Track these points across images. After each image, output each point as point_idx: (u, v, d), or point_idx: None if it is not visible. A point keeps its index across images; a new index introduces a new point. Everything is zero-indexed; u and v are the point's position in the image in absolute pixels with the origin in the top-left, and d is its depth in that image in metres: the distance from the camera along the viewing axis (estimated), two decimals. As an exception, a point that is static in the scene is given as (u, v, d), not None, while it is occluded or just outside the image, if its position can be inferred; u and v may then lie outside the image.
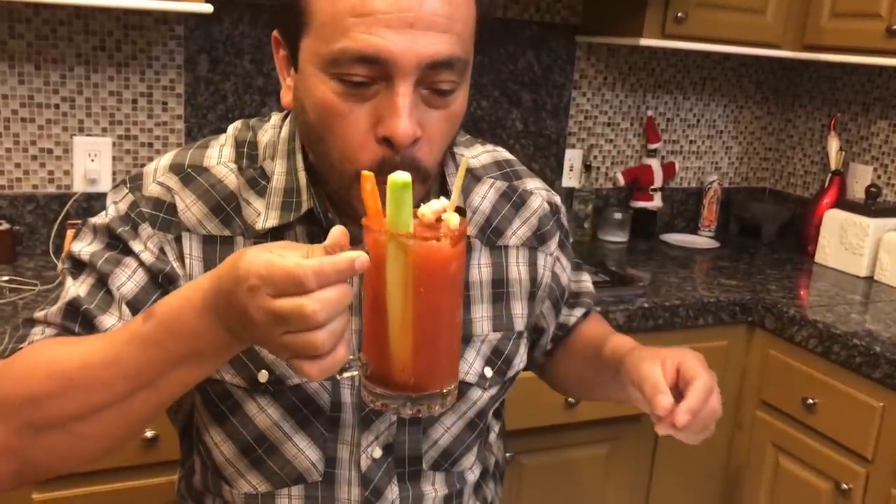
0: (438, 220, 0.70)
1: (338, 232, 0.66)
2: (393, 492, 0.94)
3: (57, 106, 1.91)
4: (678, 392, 0.87)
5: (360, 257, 0.64)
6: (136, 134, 1.98)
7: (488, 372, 0.98)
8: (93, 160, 1.95)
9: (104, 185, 1.97)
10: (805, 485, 1.97)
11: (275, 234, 0.90)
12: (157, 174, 0.91)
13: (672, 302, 2.00)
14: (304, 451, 0.91)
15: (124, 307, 0.86)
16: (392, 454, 0.94)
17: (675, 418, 0.83)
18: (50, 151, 1.93)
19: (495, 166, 1.04)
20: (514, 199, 1.03)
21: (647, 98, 2.57)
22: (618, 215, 2.51)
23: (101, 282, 0.87)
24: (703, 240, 2.61)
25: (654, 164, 2.56)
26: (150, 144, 2.00)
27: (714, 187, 2.64)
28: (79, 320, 0.86)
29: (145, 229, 0.89)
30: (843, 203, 2.40)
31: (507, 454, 1.87)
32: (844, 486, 1.86)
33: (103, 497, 1.50)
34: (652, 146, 2.56)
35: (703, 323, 2.04)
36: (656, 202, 2.58)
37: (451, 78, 0.79)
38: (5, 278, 1.75)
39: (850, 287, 2.22)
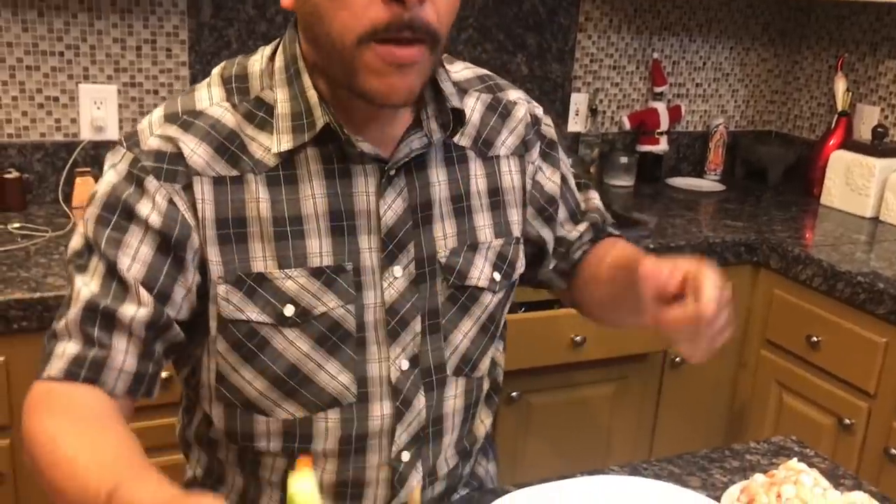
0: None
1: None
2: (420, 401, 0.97)
3: (61, 53, 1.91)
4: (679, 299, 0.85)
5: None
6: (140, 81, 1.99)
7: (497, 276, 1.01)
8: (99, 108, 1.96)
9: (111, 132, 1.98)
10: (808, 421, 2.00)
11: (286, 162, 0.90)
12: (154, 127, 0.90)
13: (677, 243, 2.01)
14: (336, 377, 0.93)
15: (142, 291, 0.86)
16: (419, 365, 0.97)
17: (701, 309, 0.81)
18: (56, 99, 1.93)
19: (478, 80, 1.05)
20: (500, 110, 1.04)
21: (653, 40, 2.56)
22: (623, 159, 2.51)
23: (111, 270, 0.87)
24: (709, 183, 2.61)
25: (661, 107, 2.55)
26: (156, 91, 2.00)
27: (720, 130, 2.64)
28: (97, 322, 0.86)
29: (151, 182, 0.87)
30: (850, 144, 2.40)
31: (513, 393, 1.91)
32: (847, 420, 1.89)
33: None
34: (658, 89, 2.55)
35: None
36: (662, 146, 2.58)
37: None
38: (17, 225, 1.77)
39: (855, 227, 2.23)
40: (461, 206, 0.99)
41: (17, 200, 1.88)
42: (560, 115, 2.48)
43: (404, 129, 0.93)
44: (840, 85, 2.48)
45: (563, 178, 1.11)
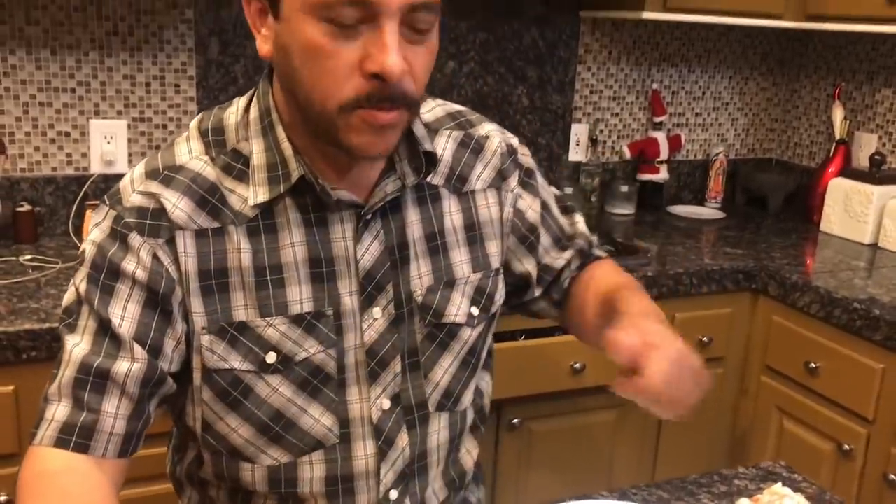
0: None
1: None
2: (403, 439, 1.00)
3: (73, 90, 1.97)
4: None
5: None
6: (150, 116, 2.04)
7: (475, 311, 1.04)
8: (109, 142, 2.02)
9: (120, 166, 2.03)
10: (808, 446, 2.01)
11: (265, 212, 0.93)
12: (136, 184, 0.92)
13: (676, 270, 2.04)
14: (319, 420, 0.96)
15: (135, 346, 0.88)
16: (400, 403, 0.99)
17: (643, 384, 0.87)
18: (67, 134, 1.99)
19: (449, 118, 1.09)
20: (472, 146, 1.07)
21: (653, 71, 2.60)
22: (624, 188, 2.54)
23: (103, 326, 0.88)
24: (709, 211, 2.64)
25: (660, 136, 2.59)
26: (164, 126, 2.06)
27: (720, 158, 2.67)
28: (89, 385, 0.87)
29: (135, 238, 0.89)
30: (848, 171, 2.42)
31: (514, 420, 1.93)
32: (846, 446, 1.90)
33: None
34: (657, 119, 2.59)
35: (707, 291, 2.08)
36: (662, 174, 2.61)
37: (429, 18, 0.85)
38: (28, 257, 1.82)
39: (854, 254, 2.25)
40: (436, 244, 1.02)
41: (28, 233, 1.93)
42: (561, 145, 2.53)
43: (378, 174, 0.97)
44: (838, 113, 2.51)
45: (545, 205, 1.14)
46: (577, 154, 2.56)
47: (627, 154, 2.60)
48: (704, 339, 2.10)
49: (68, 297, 0.92)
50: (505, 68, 2.40)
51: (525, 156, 1.13)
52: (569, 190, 2.49)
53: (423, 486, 1.03)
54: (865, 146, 2.53)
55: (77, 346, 0.88)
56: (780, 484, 1.04)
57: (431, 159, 0.98)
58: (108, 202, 0.93)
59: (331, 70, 0.83)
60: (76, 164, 2.01)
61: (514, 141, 1.13)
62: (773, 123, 2.85)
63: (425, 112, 1.06)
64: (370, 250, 0.96)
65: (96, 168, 2.02)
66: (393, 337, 0.98)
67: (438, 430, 1.03)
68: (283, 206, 0.93)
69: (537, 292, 1.15)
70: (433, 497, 1.05)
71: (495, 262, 1.07)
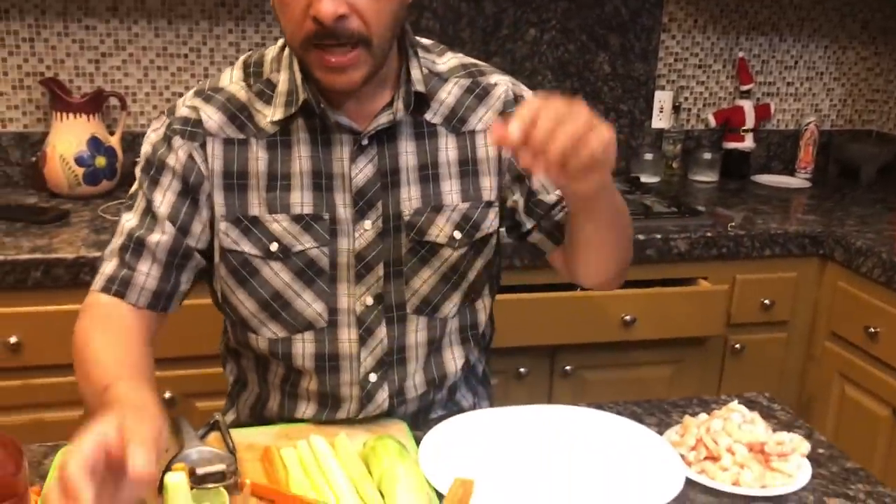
0: None
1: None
2: (382, 332, 1.17)
3: (186, 55, 2.23)
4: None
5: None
6: (252, 79, 2.28)
7: (457, 234, 1.17)
8: (216, 102, 2.27)
9: (225, 124, 2.28)
10: (866, 412, 2.01)
11: (283, 130, 1.12)
12: (186, 100, 1.15)
13: (736, 232, 2.08)
14: (311, 305, 1.14)
15: (167, 223, 1.11)
16: (382, 302, 1.16)
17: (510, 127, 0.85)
18: (180, 95, 2.23)
19: (461, 68, 1.21)
20: (477, 92, 1.20)
21: (741, 40, 2.61)
22: (707, 155, 2.57)
23: (148, 207, 1.12)
24: (796, 181, 2.63)
25: (747, 105, 2.60)
26: (265, 88, 2.29)
27: (810, 129, 2.64)
28: (130, 249, 1.11)
29: (177, 141, 1.11)
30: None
31: (567, 367, 2.00)
32: (900, 411, 1.89)
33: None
34: (744, 88, 2.60)
35: (770, 254, 2.10)
36: (748, 143, 2.62)
37: None
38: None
39: (936, 224, 2.20)
40: (427, 173, 1.16)
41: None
42: (643, 111, 2.58)
43: (380, 108, 1.12)
44: (936, 82, 2.44)
45: None
46: (660, 121, 2.61)
47: (712, 122, 2.62)
48: (766, 301, 2.13)
49: (134, 186, 1.16)
50: (587, 36, 2.48)
51: None
52: (649, 156, 2.55)
53: (401, 377, 1.19)
54: (965, 116, 2.44)
55: (129, 221, 1.13)
56: (735, 401, 1.12)
57: (421, 99, 1.13)
58: (166, 113, 1.16)
59: (289, 16, 1.02)
60: (188, 121, 2.27)
61: (526, 92, 1.23)
62: (875, 94, 2.78)
63: (440, 62, 1.20)
64: (364, 171, 1.13)
65: (205, 125, 2.28)
66: (379, 247, 1.14)
67: (416, 330, 1.19)
68: (296, 126, 1.12)
69: (529, 224, 1.24)
70: (412, 388, 1.20)
71: (487, 196, 1.19)
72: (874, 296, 1.98)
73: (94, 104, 2.09)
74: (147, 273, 1.12)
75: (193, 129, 1.12)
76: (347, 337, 1.16)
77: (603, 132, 0.89)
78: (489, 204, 1.20)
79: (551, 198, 1.24)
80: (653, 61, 2.56)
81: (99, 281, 1.12)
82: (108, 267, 1.13)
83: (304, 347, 1.16)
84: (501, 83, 1.22)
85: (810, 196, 2.49)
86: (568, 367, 2.06)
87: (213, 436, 1.09)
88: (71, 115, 2.06)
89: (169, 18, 2.19)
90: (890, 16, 2.69)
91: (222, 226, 1.13)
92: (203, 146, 1.12)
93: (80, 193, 2.07)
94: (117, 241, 1.13)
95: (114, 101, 2.20)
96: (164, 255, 1.12)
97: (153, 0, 2.17)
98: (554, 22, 2.44)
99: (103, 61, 2.19)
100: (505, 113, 1.20)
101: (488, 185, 1.20)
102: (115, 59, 2.19)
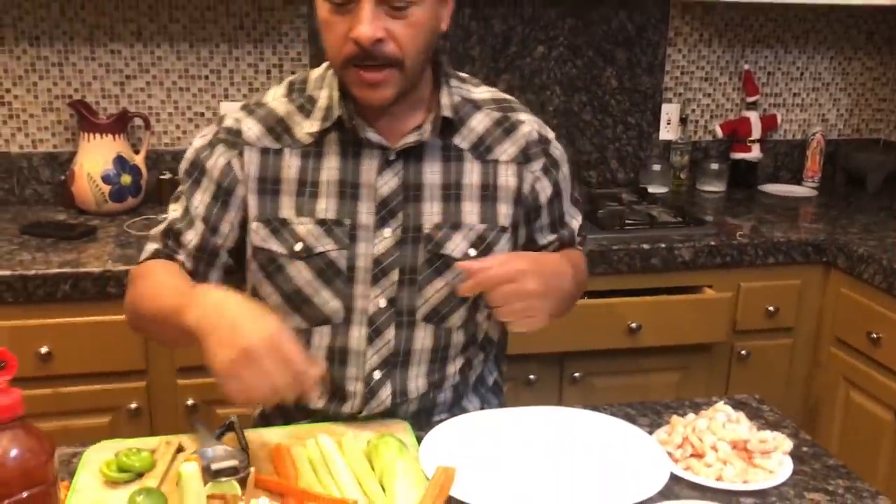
0: None
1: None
2: (390, 333, 1.25)
3: (206, 77, 2.33)
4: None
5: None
6: (270, 98, 2.37)
7: (472, 252, 1.26)
8: (236, 121, 2.36)
9: (245, 141, 2.38)
10: (871, 416, 2.05)
11: (317, 143, 1.23)
12: (232, 112, 1.28)
13: (740, 241, 2.13)
14: (328, 302, 1.24)
15: (198, 223, 1.25)
16: (394, 306, 1.25)
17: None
18: (202, 114, 2.35)
19: (493, 101, 1.31)
20: (505, 126, 1.29)
21: (746, 52, 2.66)
22: (715, 166, 2.63)
23: (187, 207, 1.26)
24: (803, 190, 2.67)
25: (753, 116, 2.65)
26: (282, 107, 2.38)
27: (817, 138, 2.69)
28: (171, 236, 1.26)
29: (219, 148, 1.25)
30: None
31: (576, 374, 2.06)
32: (901, 414, 1.93)
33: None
34: (750, 99, 2.65)
35: (773, 262, 2.15)
36: (755, 153, 2.67)
37: None
38: (164, 215, 2.19)
39: (940, 231, 2.24)
40: (449, 192, 1.25)
41: (170, 197, 2.30)
42: (650, 124, 2.64)
43: (411, 128, 1.22)
44: (940, 91, 2.48)
45: (557, 193, 1.34)
46: (667, 133, 2.67)
47: (719, 133, 2.68)
48: (771, 308, 2.18)
49: (179, 187, 1.30)
50: (594, 51, 2.55)
51: (556, 149, 1.33)
52: (657, 167, 2.61)
53: (404, 378, 1.27)
54: (969, 124, 2.48)
55: (174, 211, 1.28)
56: (722, 402, 1.18)
57: (450, 124, 1.23)
58: (216, 122, 1.29)
59: (332, 38, 1.14)
60: (209, 139, 2.37)
61: (550, 134, 1.34)
62: (881, 103, 2.82)
63: (475, 92, 1.31)
64: (388, 183, 1.22)
65: (225, 143, 2.37)
66: (396, 254, 1.23)
67: (423, 337, 1.27)
68: (329, 139, 1.23)
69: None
70: (414, 389, 1.28)
71: (502, 221, 1.28)
72: (876, 302, 2.02)
73: (120, 125, 2.19)
74: (182, 262, 1.26)
75: (234, 139, 1.24)
76: (357, 334, 1.25)
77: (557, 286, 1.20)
78: (504, 229, 1.28)
79: (544, 241, 1.36)
80: (659, 75, 2.62)
81: (145, 255, 1.28)
82: (152, 246, 1.28)
83: (321, 340, 1.26)
84: (528, 122, 1.31)
85: (816, 205, 2.54)
86: (577, 374, 2.12)
87: (229, 435, 1.16)
88: (98, 136, 2.16)
89: (190, 42, 2.29)
90: (894, 26, 2.73)
91: (254, 225, 1.24)
92: (241, 154, 1.23)
93: (106, 210, 2.17)
94: (162, 226, 1.28)
95: (138, 122, 2.30)
96: (194, 249, 1.26)
97: (175, 25, 2.27)
98: (561, 38, 2.51)
99: (128, 84, 2.29)
100: (528, 151, 1.29)
101: (505, 212, 1.28)
102: (139, 81, 2.29)
